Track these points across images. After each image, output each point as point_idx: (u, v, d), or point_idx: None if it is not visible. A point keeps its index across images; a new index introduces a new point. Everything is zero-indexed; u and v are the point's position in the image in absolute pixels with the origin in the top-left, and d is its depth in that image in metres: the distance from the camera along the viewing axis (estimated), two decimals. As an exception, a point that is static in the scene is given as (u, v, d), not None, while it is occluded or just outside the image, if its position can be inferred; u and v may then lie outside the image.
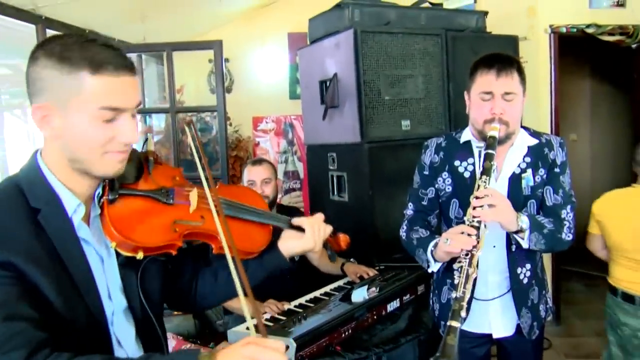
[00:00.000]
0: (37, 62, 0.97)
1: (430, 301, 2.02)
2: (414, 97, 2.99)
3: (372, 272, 2.51)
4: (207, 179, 1.20)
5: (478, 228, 1.54)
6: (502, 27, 3.57)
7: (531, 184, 1.77)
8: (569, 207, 1.76)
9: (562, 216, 1.74)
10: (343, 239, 1.49)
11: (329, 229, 1.37)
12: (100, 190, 1.08)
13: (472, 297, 1.79)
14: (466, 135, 1.85)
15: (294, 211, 2.87)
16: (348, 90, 2.84)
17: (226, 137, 3.62)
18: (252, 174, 2.58)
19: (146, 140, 1.30)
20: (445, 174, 1.85)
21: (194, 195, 1.17)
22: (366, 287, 2.19)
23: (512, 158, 1.79)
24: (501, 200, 1.60)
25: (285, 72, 4.99)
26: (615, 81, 5.39)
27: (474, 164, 1.81)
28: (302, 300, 2.27)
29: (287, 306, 2.20)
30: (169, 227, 1.11)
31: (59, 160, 1.03)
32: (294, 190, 4.96)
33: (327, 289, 2.41)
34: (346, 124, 2.89)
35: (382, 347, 2.06)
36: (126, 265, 1.10)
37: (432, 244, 1.72)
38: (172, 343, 2.24)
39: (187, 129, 1.28)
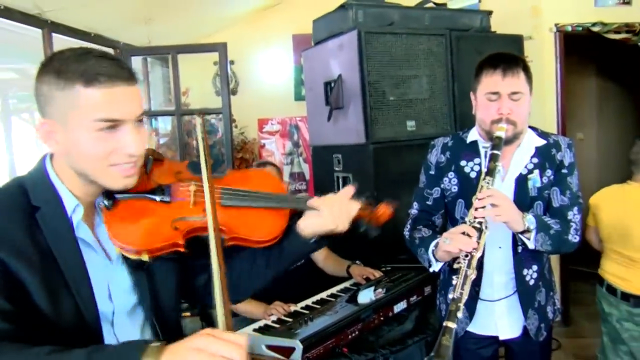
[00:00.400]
0: (40, 79, 0.99)
1: (437, 301, 2.02)
2: (418, 97, 2.98)
3: (377, 274, 2.51)
4: (203, 164, 1.16)
5: (479, 229, 1.53)
6: (506, 27, 3.55)
7: (538, 185, 1.75)
8: (575, 208, 1.74)
9: (569, 217, 1.72)
10: (383, 212, 1.33)
11: (354, 206, 1.25)
12: (101, 196, 1.08)
13: (477, 297, 1.78)
14: (473, 135, 1.84)
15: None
16: (353, 91, 2.83)
17: (232, 139, 3.63)
18: None
19: None
20: (451, 174, 1.84)
21: (192, 189, 1.13)
22: (372, 288, 2.19)
23: (519, 159, 1.78)
24: (504, 199, 1.59)
25: (290, 74, 4.99)
26: (622, 79, 5.36)
27: (480, 164, 1.80)
28: (308, 301, 2.27)
29: (293, 308, 2.20)
30: (168, 226, 1.08)
31: (65, 169, 1.04)
32: (300, 191, 4.96)
33: (334, 290, 2.40)
34: (351, 125, 2.88)
35: (389, 348, 2.06)
36: (137, 266, 1.10)
37: (433, 243, 1.71)
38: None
39: (198, 119, 1.25)
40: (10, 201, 1.00)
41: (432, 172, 1.89)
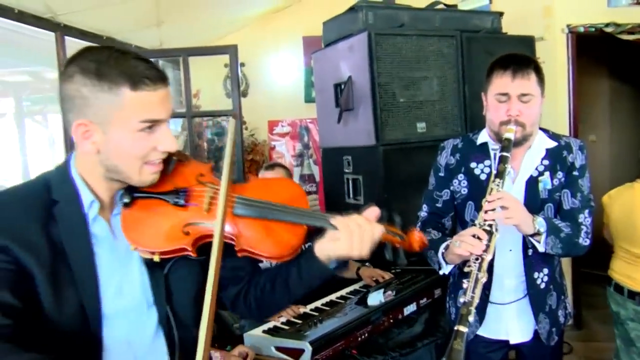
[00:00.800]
0: (72, 80, 0.99)
1: (447, 305, 2.00)
2: (429, 99, 2.97)
3: (387, 276, 2.50)
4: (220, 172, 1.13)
5: (489, 232, 1.51)
6: (518, 28, 3.53)
7: (549, 187, 1.74)
8: (587, 211, 1.73)
9: (580, 220, 1.70)
10: (416, 240, 1.21)
11: (378, 230, 1.13)
12: (121, 192, 1.09)
13: (487, 301, 1.77)
14: (483, 136, 1.83)
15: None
16: (363, 93, 2.83)
17: (242, 141, 3.64)
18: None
19: None
20: (461, 176, 1.83)
21: (207, 194, 1.10)
22: (382, 290, 2.19)
23: (529, 160, 1.76)
24: (513, 202, 1.58)
25: (300, 76, 5.00)
26: (635, 80, 5.30)
27: (490, 166, 1.78)
28: (317, 303, 2.27)
29: (302, 309, 2.20)
30: (179, 230, 1.07)
31: (91, 169, 1.06)
32: (310, 193, 4.96)
33: (343, 292, 2.40)
34: (361, 127, 2.88)
35: (399, 351, 2.06)
36: (154, 264, 1.10)
37: (443, 246, 1.70)
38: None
39: (231, 122, 1.23)
40: (31, 194, 1.04)
41: (441, 174, 1.88)
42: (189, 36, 4.44)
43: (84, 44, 3.63)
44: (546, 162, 1.75)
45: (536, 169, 1.75)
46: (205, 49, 4.09)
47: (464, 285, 1.48)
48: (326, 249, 1.14)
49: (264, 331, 2.02)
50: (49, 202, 1.03)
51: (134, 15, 3.76)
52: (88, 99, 0.98)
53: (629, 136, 5.53)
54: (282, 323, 2.09)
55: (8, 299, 0.93)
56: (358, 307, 2.13)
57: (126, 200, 1.07)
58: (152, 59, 1.06)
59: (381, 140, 2.79)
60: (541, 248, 1.63)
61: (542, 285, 1.77)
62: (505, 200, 1.54)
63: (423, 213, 1.92)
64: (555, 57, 3.88)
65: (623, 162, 5.49)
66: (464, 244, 1.52)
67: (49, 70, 3.62)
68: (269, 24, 4.99)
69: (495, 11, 3.48)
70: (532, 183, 1.74)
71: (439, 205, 1.88)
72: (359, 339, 2.00)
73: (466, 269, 1.51)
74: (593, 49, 4.55)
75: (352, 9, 2.95)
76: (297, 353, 1.83)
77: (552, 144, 1.77)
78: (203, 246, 1.07)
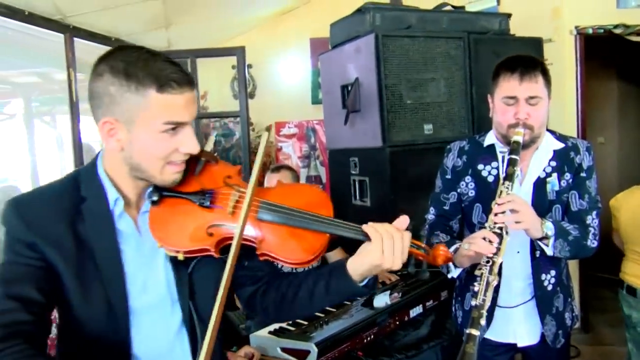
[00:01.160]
0: (102, 78, 1.02)
1: (453, 308, 1.99)
2: (436, 100, 2.97)
3: (393, 278, 2.49)
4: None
5: (499, 235, 1.51)
6: (526, 29, 3.52)
7: (556, 188, 1.73)
8: (594, 212, 1.72)
9: (587, 222, 1.70)
10: (442, 253, 1.18)
11: (408, 238, 1.11)
12: (151, 188, 1.12)
13: (495, 304, 1.76)
14: (490, 138, 1.83)
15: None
16: (370, 94, 2.83)
17: (249, 142, 3.65)
18: (271, 182, 2.59)
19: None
20: (468, 178, 1.83)
21: (232, 197, 1.12)
22: (388, 292, 2.18)
23: (537, 162, 1.76)
24: (524, 205, 1.57)
25: (307, 77, 5.01)
26: (645, 82, 5.27)
27: (497, 168, 1.78)
28: (323, 305, 2.26)
29: (308, 311, 2.20)
30: (203, 231, 1.09)
31: (117, 167, 1.09)
32: (316, 194, 4.96)
33: (349, 293, 2.40)
34: (368, 129, 2.88)
35: (405, 353, 2.05)
36: (179, 262, 1.11)
37: (452, 249, 1.68)
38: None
39: (265, 132, 1.23)
40: (60, 192, 1.08)
41: (448, 177, 1.88)
42: (196, 38, 4.46)
43: (92, 45, 3.66)
44: (553, 163, 1.75)
45: (544, 170, 1.75)
46: (213, 50, 4.12)
47: (475, 289, 1.47)
48: (358, 263, 1.12)
49: (270, 332, 2.03)
50: (78, 199, 1.07)
51: (143, 17, 3.78)
52: (115, 98, 1.01)
53: (638, 138, 5.50)
54: (288, 324, 2.09)
55: (32, 295, 0.97)
56: (364, 308, 2.13)
57: (154, 198, 1.10)
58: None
59: (388, 142, 2.79)
60: (549, 252, 1.63)
61: (550, 288, 1.77)
62: (516, 204, 1.54)
63: (430, 216, 1.91)
64: (563, 58, 3.87)
65: (631, 164, 5.46)
66: (474, 246, 1.51)
67: (57, 71, 3.65)
68: (276, 26, 5.00)
69: (503, 13, 3.47)
70: (539, 185, 1.74)
71: (446, 207, 1.87)
72: (365, 340, 1.99)
73: (477, 272, 1.50)
74: (602, 50, 4.52)
75: (359, 11, 2.95)
76: (302, 354, 1.83)
77: (560, 145, 1.77)
78: (226, 247, 1.08)
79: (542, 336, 1.79)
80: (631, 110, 5.56)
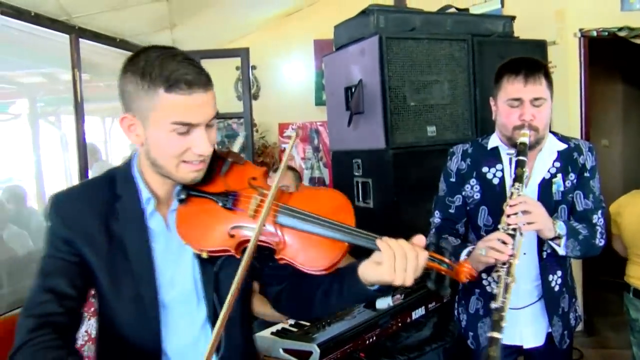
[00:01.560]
0: (125, 75, 1.05)
1: (455, 312, 1.98)
2: (439, 103, 2.97)
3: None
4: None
5: (514, 236, 1.51)
6: (530, 32, 3.52)
7: (562, 189, 1.74)
8: (600, 212, 1.74)
9: (594, 221, 1.72)
10: (467, 270, 1.12)
11: (423, 257, 1.06)
12: (179, 187, 1.14)
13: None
14: (494, 141, 1.82)
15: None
16: (373, 96, 2.84)
17: (252, 143, 3.66)
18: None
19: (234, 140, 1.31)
20: (473, 181, 1.82)
21: (254, 201, 1.12)
22: (391, 293, 2.18)
23: (541, 163, 1.76)
24: (536, 206, 1.57)
25: (311, 79, 5.01)
26: (649, 85, 5.26)
27: (502, 170, 1.78)
28: (326, 306, 2.27)
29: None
30: (226, 232, 1.10)
31: (145, 164, 1.13)
32: (319, 196, 4.97)
33: (352, 295, 2.40)
34: (371, 130, 2.88)
35: (407, 354, 2.05)
36: (206, 260, 1.13)
37: (465, 252, 1.68)
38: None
39: (294, 134, 1.24)
40: (97, 189, 1.14)
41: (453, 180, 1.87)
42: (201, 39, 4.48)
43: (98, 46, 3.67)
44: (558, 164, 1.76)
45: (548, 171, 1.76)
46: (217, 51, 4.13)
47: (494, 291, 1.48)
48: (368, 273, 1.11)
49: (272, 333, 2.03)
50: (113, 197, 1.12)
51: (148, 18, 3.80)
52: (132, 95, 1.04)
53: (642, 141, 5.49)
54: (291, 325, 2.10)
55: (65, 288, 1.04)
56: (366, 310, 2.13)
57: (182, 197, 1.12)
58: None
59: (391, 144, 2.79)
60: (561, 251, 1.63)
61: (556, 288, 1.77)
62: (528, 205, 1.54)
63: (436, 219, 1.90)
64: (567, 61, 3.86)
65: (636, 166, 5.45)
66: (491, 251, 1.51)
67: (63, 71, 3.66)
68: (280, 27, 5.01)
69: (507, 15, 3.47)
70: (544, 186, 1.74)
71: (451, 211, 1.86)
72: (367, 342, 2.00)
73: (494, 275, 1.51)
74: (606, 53, 4.52)
75: (363, 13, 2.95)
76: (305, 355, 1.84)
77: (563, 146, 1.78)
78: (246, 249, 1.08)
79: (547, 338, 1.79)
80: (635, 113, 5.55)
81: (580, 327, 1.83)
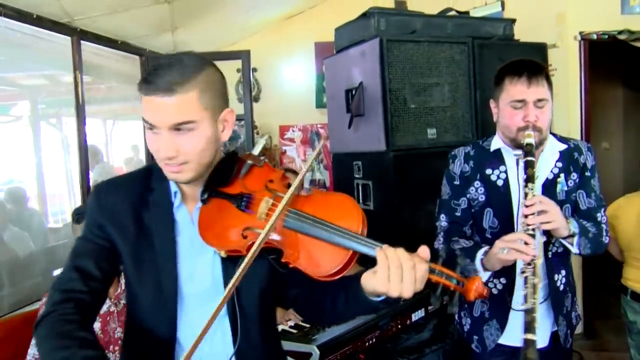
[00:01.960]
0: None
1: (456, 316, 1.95)
2: (440, 105, 2.98)
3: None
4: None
5: (534, 236, 1.51)
6: (530, 35, 3.53)
7: (565, 188, 1.75)
8: (602, 210, 1.77)
9: (599, 219, 1.73)
10: (475, 288, 1.04)
11: (422, 270, 1.01)
12: (203, 187, 1.18)
13: (509, 308, 1.76)
14: (496, 143, 1.82)
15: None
16: (374, 98, 2.84)
17: (253, 146, 3.66)
18: None
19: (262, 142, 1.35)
20: (477, 183, 1.82)
21: (264, 203, 1.13)
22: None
23: (544, 164, 1.77)
24: (552, 206, 1.58)
25: (311, 81, 5.03)
26: (649, 88, 5.27)
27: (506, 172, 1.78)
28: (326, 307, 2.27)
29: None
30: (239, 233, 1.12)
31: None
32: (319, 198, 4.97)
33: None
34: (372, 133, 2.89)
35: (407, 356, 2.06)
36: (228, 257, 1.14)
37: (481, 252, 1.66)
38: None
39: (320, 141, 1.24)
40: (134, 181, 1.21)
41: (457, 183, 1.85)
42: (203, 41, 4.49)
43: (99, 48, 3.69)
44: (560, 164, 1.77)
45: (551, 171, 1.76)
46: (218, 54, 4.14)
47: (523, 292, 1.49)
48: (366, 280, 1.07)
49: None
50: (147, 189, 1.19)
51: (149, 21, 3.81)
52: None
53: (643, 144, 5.49)
54: (290, 327, 2.10)
55: (91, 268, 1.11)
56: (366, 311, 2.14)
57: (204, 196, 1.16)
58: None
59: (392, 146, 2.80)
60: (575, 250, 1.65)
61: (561, 288, 1.78)
62: (544, 205, 1.55)
63: (443, 223, 1.87)
64: (567, 64, 3.87)
65: (636, 169, 5.45)
66: (513, 251, 1.51)
67: (64, 73, 3.67)
68: (281, 30, 5.02)
69: (508, 18, 3.48)
70: (548, 186, 1.75)
71: (458, 214, 1.84)
72: (367, 343, 2.00)
73: (521, 276, 1.52)
74: (606, 56, 4.53)
75: (364, 15, 2.96)
76: (305, 357, 1.84)
77: (563, 146, 1.79)
78: (262, 249, 1.08)
79: (551, 338, 1.80)
80: (635, 116, 5.56)
81: (580, 330, 1.83)
